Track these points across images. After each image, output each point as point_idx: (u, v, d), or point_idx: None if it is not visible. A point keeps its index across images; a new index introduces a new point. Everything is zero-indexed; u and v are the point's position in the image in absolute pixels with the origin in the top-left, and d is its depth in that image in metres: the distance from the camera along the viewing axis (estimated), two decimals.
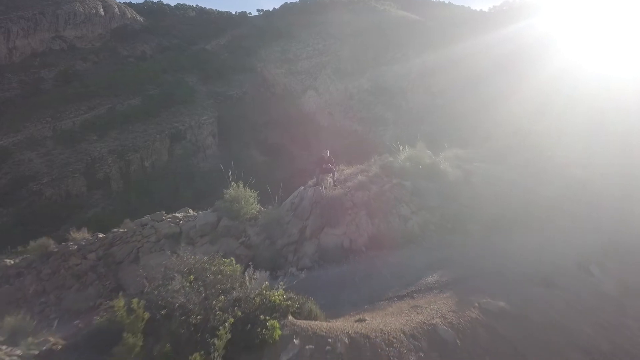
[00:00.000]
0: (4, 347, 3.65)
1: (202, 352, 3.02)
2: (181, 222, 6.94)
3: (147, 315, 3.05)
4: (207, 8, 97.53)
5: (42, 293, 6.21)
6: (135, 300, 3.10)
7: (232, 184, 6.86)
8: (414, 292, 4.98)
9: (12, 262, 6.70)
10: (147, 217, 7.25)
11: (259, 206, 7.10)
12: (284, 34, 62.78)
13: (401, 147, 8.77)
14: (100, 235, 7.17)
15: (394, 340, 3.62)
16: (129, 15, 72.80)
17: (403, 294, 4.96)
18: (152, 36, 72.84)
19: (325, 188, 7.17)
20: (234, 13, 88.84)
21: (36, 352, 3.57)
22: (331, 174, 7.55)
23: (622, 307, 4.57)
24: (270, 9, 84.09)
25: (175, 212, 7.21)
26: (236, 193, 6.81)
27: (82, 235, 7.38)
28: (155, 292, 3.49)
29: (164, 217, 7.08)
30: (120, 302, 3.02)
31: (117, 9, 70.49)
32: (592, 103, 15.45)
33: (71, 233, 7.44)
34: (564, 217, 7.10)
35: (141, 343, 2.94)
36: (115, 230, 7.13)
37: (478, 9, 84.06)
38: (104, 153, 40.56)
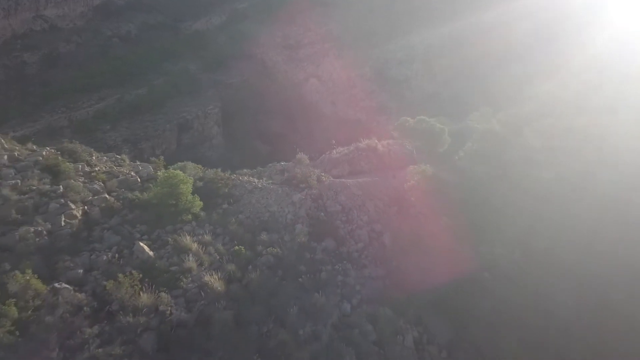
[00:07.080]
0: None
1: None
2: (284, 165, 26.28)
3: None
4: None
5: None
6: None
7: (299, 154, 26.38)
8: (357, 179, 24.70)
9: None
10: (270, 164, 26.68)
11: (308, 160, 26.46)
12: (283, 15, 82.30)
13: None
14: (253, 170, 26.66)
15: (345, 182, 23.30)
16: None
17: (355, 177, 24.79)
18: (136, 13, 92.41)
19: (332, 154, 26.63)
20: None
21: None
22: (335, 150, 27.05)
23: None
24: None
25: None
26: (300, 156, 26.22)
27: (244, 171, 26.74)
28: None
29: (276, 164, 26.56)
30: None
31: None
32: None
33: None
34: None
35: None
36: (249, 170, 26.69)
37: None
38: (119, 142, 59.85)
